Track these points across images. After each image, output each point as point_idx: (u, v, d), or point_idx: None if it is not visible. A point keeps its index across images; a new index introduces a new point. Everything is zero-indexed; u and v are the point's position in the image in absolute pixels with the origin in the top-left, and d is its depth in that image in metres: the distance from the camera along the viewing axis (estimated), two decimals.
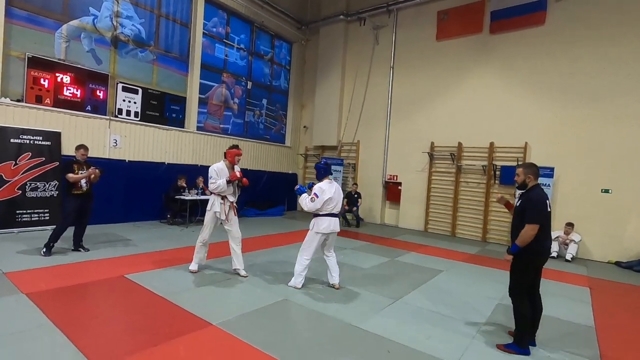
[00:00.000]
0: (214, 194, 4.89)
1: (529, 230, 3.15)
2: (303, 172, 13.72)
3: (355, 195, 10.80)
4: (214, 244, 6.94)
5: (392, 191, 11.58)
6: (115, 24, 8.31)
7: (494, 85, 9.70)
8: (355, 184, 11.48)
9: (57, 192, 7.10)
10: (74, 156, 5.66)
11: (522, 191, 3.51)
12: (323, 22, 12.84)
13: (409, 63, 11.23)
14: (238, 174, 4.85)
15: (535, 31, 9.13)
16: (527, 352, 3.26)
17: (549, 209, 3.31)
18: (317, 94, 13.08)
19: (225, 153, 5.00)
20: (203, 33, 10.16)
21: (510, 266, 3.42)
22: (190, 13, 9.91)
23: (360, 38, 12.27)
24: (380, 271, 5.85)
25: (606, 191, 8.13)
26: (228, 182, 4.77)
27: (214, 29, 10.67)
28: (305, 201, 4.54)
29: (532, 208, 3.19)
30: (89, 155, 5.71)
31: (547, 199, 3.36)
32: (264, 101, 12.66)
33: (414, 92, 11.08)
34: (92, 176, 5.48)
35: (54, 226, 5.75)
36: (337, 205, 4.64)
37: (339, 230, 4.73)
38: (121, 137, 8.38)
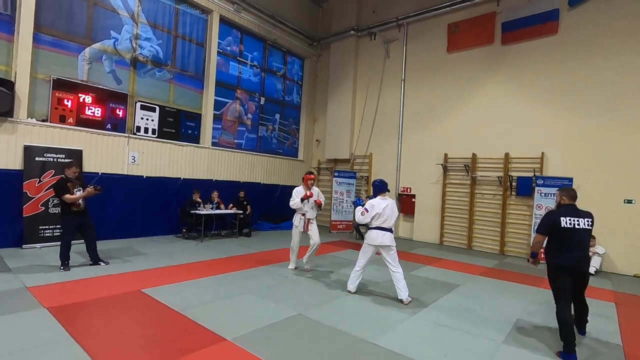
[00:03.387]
0: (297, 211, 6.25)
1: (535, 238, 3.94)
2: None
3: None
4: (226, 260, 7.01)
5: (405, 203, 11.48)
6: (134, 45, 8.67)
7: (507, 96, 9.62)
8: (368, 197, 11.41)
9: None
10: (64, 174, 5.58)
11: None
12: (334, 38, 13.08)
13: (420, 75, 11.27)
14: (308, 194, 6.09)
15: (548, 41, 9.06)
16: (572, 358, 3.42)
17: (566, 225, 3.66)
18: (329, 107, 13.22)
19: (302, 178, 6.33)
20: (218, 52, 10.48)
21: None
22: (206, 33, 10.27)
23: (371, 52, 12.42)
24: (394, 285, 5.75)
25: (629, 202, 7.86)
26: (302, 200, 6.06)
27: (228, 48, 11.00)
28: (357, 214, 5.04)
29: (541, 221, 3.89)
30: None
31: (571, 216, 3.70)
32: (277, 116, 12.86)
33: (425, 104, 11.08)
34: (97, 192, 5.55)
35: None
36: (387, 220, 4.91)
37: (391, 244, 4.90)
38: (139, 154, 8.63)
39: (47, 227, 6.99)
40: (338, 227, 11.60)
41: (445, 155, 10.49)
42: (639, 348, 3.86)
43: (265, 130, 12.39)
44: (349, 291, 5.14)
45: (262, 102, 12.18)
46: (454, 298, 5.26)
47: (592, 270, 7.50)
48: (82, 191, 5.52)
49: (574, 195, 3.83)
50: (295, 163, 13.42)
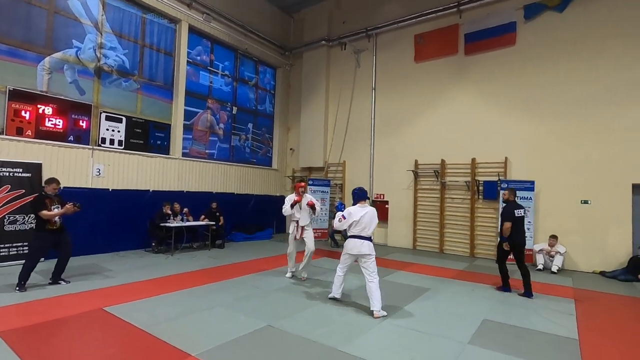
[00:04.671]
0: (291, 219, 6.43)
1: (505, 225, 5.80)
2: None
3: None
4: (197, 273, 6.85)
5: (379, 210, 11.51)
6: (98, 55, 8.43)
7: (472, 103, 10.02)
8: (343, 204, 11.50)
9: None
10: (43, 190, 5.44)
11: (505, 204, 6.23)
12: (306, 48, 13.23)
13: (390, 84, 11.56)
14: (297, 199, 6.23)
15: (507, 51, 9.54)
16: (506, 290, 6.17)
17: (518, 215, 5.81)
18: (302, 116, 13.30)
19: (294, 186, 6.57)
20: (187, 61, 10.36)
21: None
22: (175, 43, 10.13)
23: (342, 61, 12.64)
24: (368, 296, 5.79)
25: (585, 202, 8.32)
26: (292, 205, 6.23)
27: (198, 57, 10.89)
28: (336, 220, 5.03)
29: (505, 213, 5.91)
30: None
31: (521, 208, 5.96)
32: (250, 125, 12.80)
33: (396, 112, 11.36)
34: (76, 209, 5.38)
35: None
36: (365, 229, 4.85)
37: (368, 253, 4.82)
38: (105, 166, 8.34)
39: (1, 245, 6.59)
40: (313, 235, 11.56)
41: (416, 161, 10.76)
42: (594, 342, 4.06)
43: (238, 139, 12.28)
44: (334, 297, 5.17)
45: (234, 112, 12.10)
46: (423, 302, 5.36)
47: (554, 268, 7.87)
48: (60, 208, 5.29)
49: (516, 194, 6.20)
50: (270, 172, 13.36)
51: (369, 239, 4.89)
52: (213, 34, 11.07)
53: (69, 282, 5.55)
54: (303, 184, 6.52)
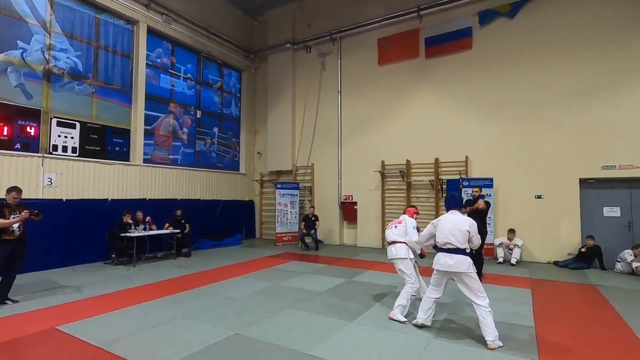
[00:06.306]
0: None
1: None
2: (260, 198, 13.56)
3: (313, 218, 10.81)
4: (160, 284, 6.58)
5: (348, 211, 11.75)
6: (47, 57, 7.92)
7: (434, 105, 10.38)
8: (313, 206, 11.53)
9: None
10: (4, 199, 5.19)
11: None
12: (271, 51, 13.15)
13: (355, 87, 11.73)
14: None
15: (465, 55, 9.98)
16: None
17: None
18: (269, 119, 13.19)
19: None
20: (147, 64, 9.97)
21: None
22: (132, 44, 9.72)
23: (308, 64, 12.67)
24: (336, 293, 5.82)
25: (539, 197, 8.85)
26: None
27: (159, 60, 10.52)
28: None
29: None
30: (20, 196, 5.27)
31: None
32: (215, 129, 12.51)
33: (362, 114, 11.53)
34: (34, 217, 5.11)
35: None
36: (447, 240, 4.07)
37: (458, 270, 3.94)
38: (57, 175, 7.82)
39: None
40: (283, 239, 11.50)
41: (382, 162, 10.97)
42: (549, 329, 4.29)
43: (203, 144, 11.97)
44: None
45: (198, 116, 11.78)
46: (391, 300, 5.43)
47: (513, 261, 8.29)
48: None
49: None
50: (237, 177, 13.12)
51: (453, 251, 4.00)
52: (174, 35, 10.74)
53: (17, 302, 5.13)
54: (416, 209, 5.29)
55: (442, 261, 4.04)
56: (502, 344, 3.71)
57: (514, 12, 9.31)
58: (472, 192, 6.92)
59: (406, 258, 4.75)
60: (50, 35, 7.98)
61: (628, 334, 4.15)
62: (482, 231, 5.99)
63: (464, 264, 3.88)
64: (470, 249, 4.07)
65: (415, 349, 3.67)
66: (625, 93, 8.11)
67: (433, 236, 4.30)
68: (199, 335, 4.00)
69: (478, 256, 6.20)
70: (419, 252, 4.95)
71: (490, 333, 3.71)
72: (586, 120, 8.43)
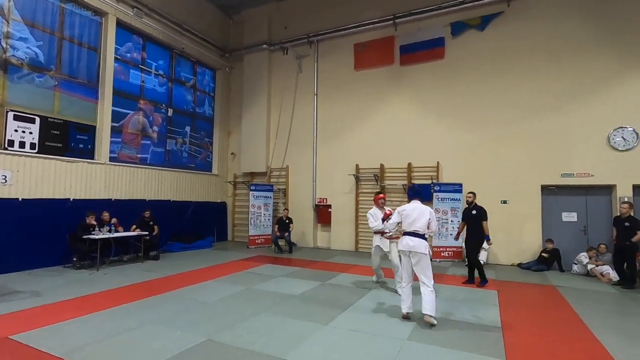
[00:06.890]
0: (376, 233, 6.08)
1: (485, 225, 6.69)
2: (232, 200, 13.30)
3: (287, 221, 10.73)
4: (126, 288, 6.33)
5: (322, 214, 11.77)
6: (4, 45, 7.39)
7: (408, 111, 10.63)
8: (287, 209, 11.44)
9: None
10: None
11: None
12: (246, 51, 12.98)
13: (331, 90, 11.80)
14: (388, 212, 5.66)
15: (437, 64, 10.31)
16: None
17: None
18: (243, 120, 12.99)
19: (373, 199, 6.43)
20: (115, 58, 9.54)
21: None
22: (100, 37, 9.27)
23: (284, 66, 12.62)
24: (310, 296, 5.80)
25: (505, 202, 9.27)
26: (383, 220, 5.70)
27: (128, 55, 10.09)
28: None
29: (484, 215, 6.82)
30: None
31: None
32: (187, 128, 12.16)
33: (337, 117, 11.62)
34: None
35: None
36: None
37: (415, 251, 4.57)
38: (12, 173, 7.29)
39: None
40: (256, 241, 11.34)
41: (357, 166, 11.09)
42: (515, 329, 4.49)
43: (174, 143, 11.59)
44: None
45: (169, 114, 11.41)
46: (365, 303, 5.49)
47: None
48: None
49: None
50: (210, 177, 12.81)
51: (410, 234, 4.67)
52: (145, 30, 10.36)
53: None
54: (381, 195, 6.39)
55: (404, 242, 4.69)
56: (435, 322, 4.40)
57: (484, 24, 9.74)
58: (466, 197, 7.31)
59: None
60: (8, 22, 7.45)
61: (585, 332, 4.42)
62: (481, 237, 6.71)
63: (422, 246, 4.58)
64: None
65: (390, 353, 3.71)
66: (582, 105, 8.68)
67: (399, 222, 4.90)
68: (169, 342, 3.85)
69: (476, 261, 6.76)
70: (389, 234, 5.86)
71: (429, 309, 4.40)
72: (547, 129, 8.95)
